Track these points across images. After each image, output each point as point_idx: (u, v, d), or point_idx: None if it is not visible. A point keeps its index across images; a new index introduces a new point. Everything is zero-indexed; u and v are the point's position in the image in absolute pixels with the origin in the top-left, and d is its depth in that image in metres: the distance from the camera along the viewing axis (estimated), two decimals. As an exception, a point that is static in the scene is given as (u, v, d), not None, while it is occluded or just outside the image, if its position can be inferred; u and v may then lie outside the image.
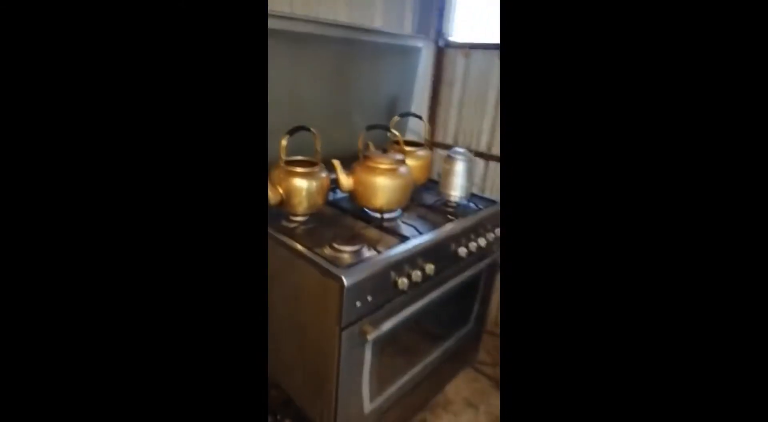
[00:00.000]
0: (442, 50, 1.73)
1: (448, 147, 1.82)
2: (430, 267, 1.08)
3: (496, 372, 1.69)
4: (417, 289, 1.07)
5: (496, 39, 1.60)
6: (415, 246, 1.06)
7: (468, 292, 1.41)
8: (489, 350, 1.79)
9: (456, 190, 1.34)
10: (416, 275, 1.04)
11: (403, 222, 1.22)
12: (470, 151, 1.74)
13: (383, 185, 1.16)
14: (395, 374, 1.21)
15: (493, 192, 1.72)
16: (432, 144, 1.86)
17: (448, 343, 1.43)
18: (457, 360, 1.57)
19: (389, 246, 1.05)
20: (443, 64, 1.75)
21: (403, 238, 1.08)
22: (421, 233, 1.12)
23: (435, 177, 1.51)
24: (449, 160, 1.34)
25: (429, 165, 1.48)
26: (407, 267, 1.04)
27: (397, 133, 1.23)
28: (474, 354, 1.70)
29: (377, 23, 1.47)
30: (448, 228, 1.19)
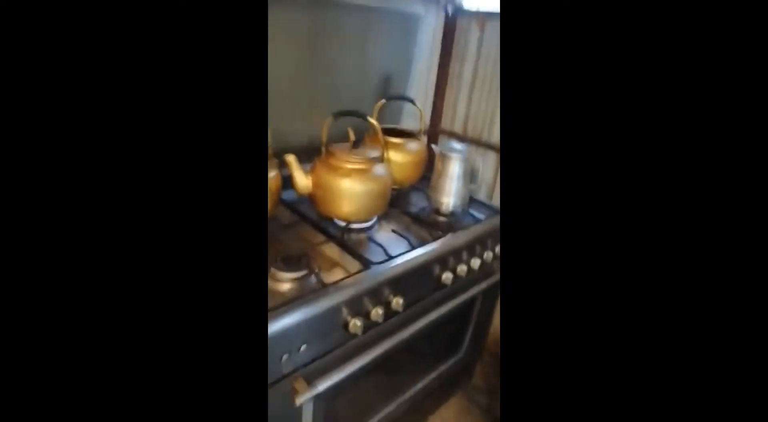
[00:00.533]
0: (452, 19, 1.43)
1: (455, 136, 1.54)
2: (397, 302, 0.84)
3: (492, 402, 1.46)
4: (378, 329, 0.84)
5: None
6: (379, 275, 0.82)
7: (457, 321, 1.17)
8: (487, 374, 1.55)
9: (449, 197, 1.07)
10: (377, 313, 0.80)
11: (373, 237, 0.97)
12: (480, 142, 1.47)
13: (349, 190, 0.92)
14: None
15: (504, 194, 1.44)
16: (436, 132, 1.58)
17: (433, 375, 1.20)
18: (446, 388, 1.34)
19: (348, 273, 0.81)
20: (453, 36, 1.45)
21: (367, 263, 0.84)
22: (390, 256, 0.87)
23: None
24: (442, 158, 1.07)
25: (422, 160, 1.21)
26: (367, 302, 0.80)
27: (374, 121, 0.97)
28: (467, 379, 1.47)
29: (367, -18, 1.19)
30: (432, 248, 0.93)
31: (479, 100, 1.46)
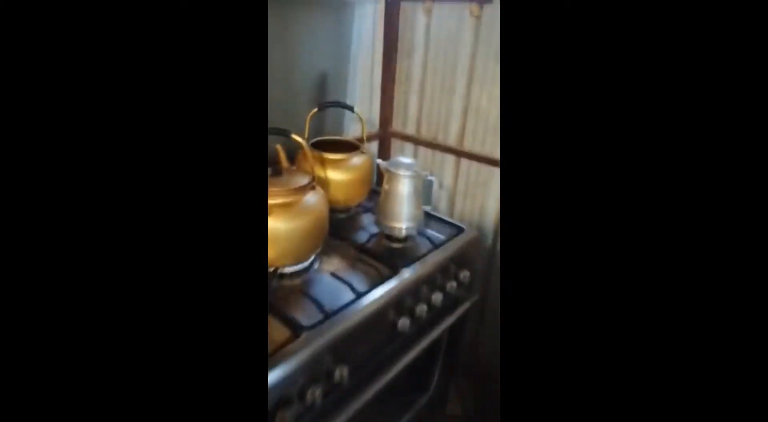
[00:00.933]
0: (394, 6, 1.24)
1: (408, 140, 1.37)
2: (340, 373, 0.67)
3: (471, 430, 1.32)
4: (317, 411, 0.66)
5: (466, -14, 1.11)
6: (315, 343, 0.64)
7: (421, 362, 1.01)
8: (463, 399, 1.41)
9: (401, 221, 0.90)
10: (314, 394, 0.63)
11: (308, 285, 0.79)
12: (436, 145, 1.31)
13: (272, 231, 0.73)
14: None
15: (467, 203, 1.29)
16: (387, 136, 1.40)
17: (402, 421, 1.05)
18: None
19: (274, 346, 0.63)
20: (397, 24, 1.26)
21: (298, 329, 0.66)
22: (328, 314, 0.69)
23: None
24: (389, 176, 0.89)
25: (369, 175, 1.04)
26: (301, 382, 0.62)
27: (300, 140, 0.78)
28: (440, 411, 1.33)
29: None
30: (383, 291, 0.76)
31: (431, 98, 1.29)
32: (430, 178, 0.90)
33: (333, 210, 0.99)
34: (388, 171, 0.88)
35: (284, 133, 0.78)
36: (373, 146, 1.41)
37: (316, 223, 0.78)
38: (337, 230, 0.95)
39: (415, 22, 1.24)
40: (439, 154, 1.32)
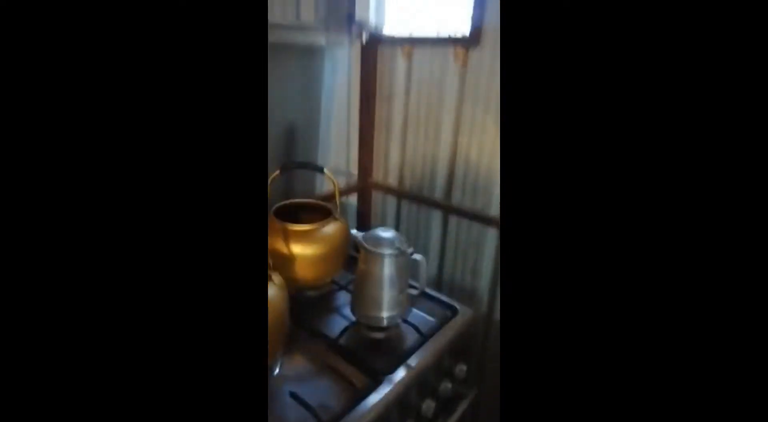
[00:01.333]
0: (371, 49, 1.12)
1: (391, 191, 1.22)
2: None
3: None
4: None
5: (446, 29, 0.99)
6: None
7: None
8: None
9: (381, 310, 0.74)
10: None
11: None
12: (421, 198, 1.16)
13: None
14: None
15: (457, 265, 1.14)
16: (367, 188, 1.25)
17: None
18: None
19: None
20: (375, 68, 1.14)
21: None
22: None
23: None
24: (367, 256, 0.73)
25: (344, 244, 0.87)
26: None
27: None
28: None
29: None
30: (359, 415, 0.59)
31: (414, 147, 1.15)
32: (416, 256, 0.74)
33: (301, 289, 0.83)
34: (364, 248, 0.73)
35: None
36: (353, 198, 1.26)
37: (271, 326, 0.61)
38: (305, 317, 0.78)
39: (395, 66, 1.12)
40: (424, 209, 1.17)
